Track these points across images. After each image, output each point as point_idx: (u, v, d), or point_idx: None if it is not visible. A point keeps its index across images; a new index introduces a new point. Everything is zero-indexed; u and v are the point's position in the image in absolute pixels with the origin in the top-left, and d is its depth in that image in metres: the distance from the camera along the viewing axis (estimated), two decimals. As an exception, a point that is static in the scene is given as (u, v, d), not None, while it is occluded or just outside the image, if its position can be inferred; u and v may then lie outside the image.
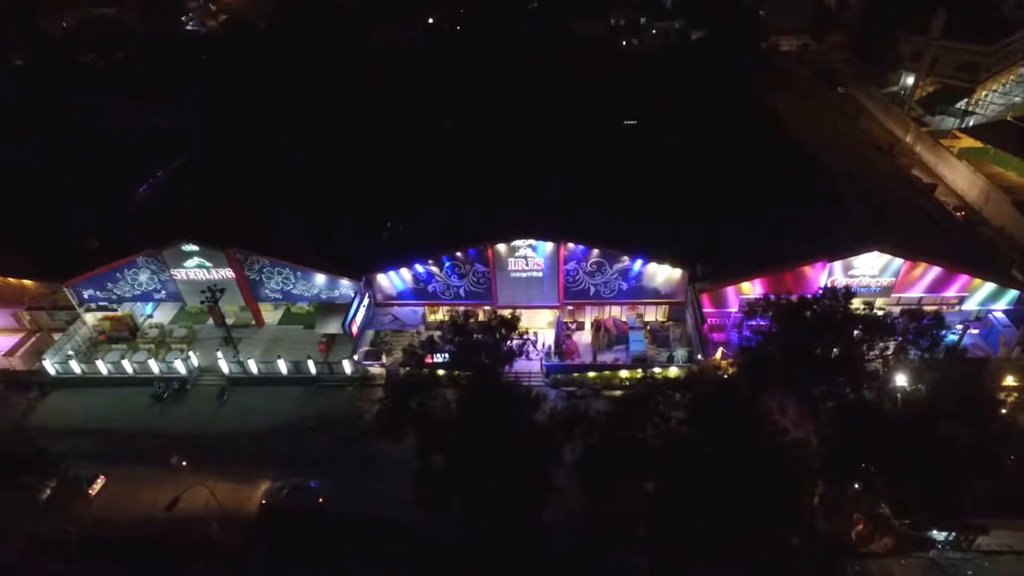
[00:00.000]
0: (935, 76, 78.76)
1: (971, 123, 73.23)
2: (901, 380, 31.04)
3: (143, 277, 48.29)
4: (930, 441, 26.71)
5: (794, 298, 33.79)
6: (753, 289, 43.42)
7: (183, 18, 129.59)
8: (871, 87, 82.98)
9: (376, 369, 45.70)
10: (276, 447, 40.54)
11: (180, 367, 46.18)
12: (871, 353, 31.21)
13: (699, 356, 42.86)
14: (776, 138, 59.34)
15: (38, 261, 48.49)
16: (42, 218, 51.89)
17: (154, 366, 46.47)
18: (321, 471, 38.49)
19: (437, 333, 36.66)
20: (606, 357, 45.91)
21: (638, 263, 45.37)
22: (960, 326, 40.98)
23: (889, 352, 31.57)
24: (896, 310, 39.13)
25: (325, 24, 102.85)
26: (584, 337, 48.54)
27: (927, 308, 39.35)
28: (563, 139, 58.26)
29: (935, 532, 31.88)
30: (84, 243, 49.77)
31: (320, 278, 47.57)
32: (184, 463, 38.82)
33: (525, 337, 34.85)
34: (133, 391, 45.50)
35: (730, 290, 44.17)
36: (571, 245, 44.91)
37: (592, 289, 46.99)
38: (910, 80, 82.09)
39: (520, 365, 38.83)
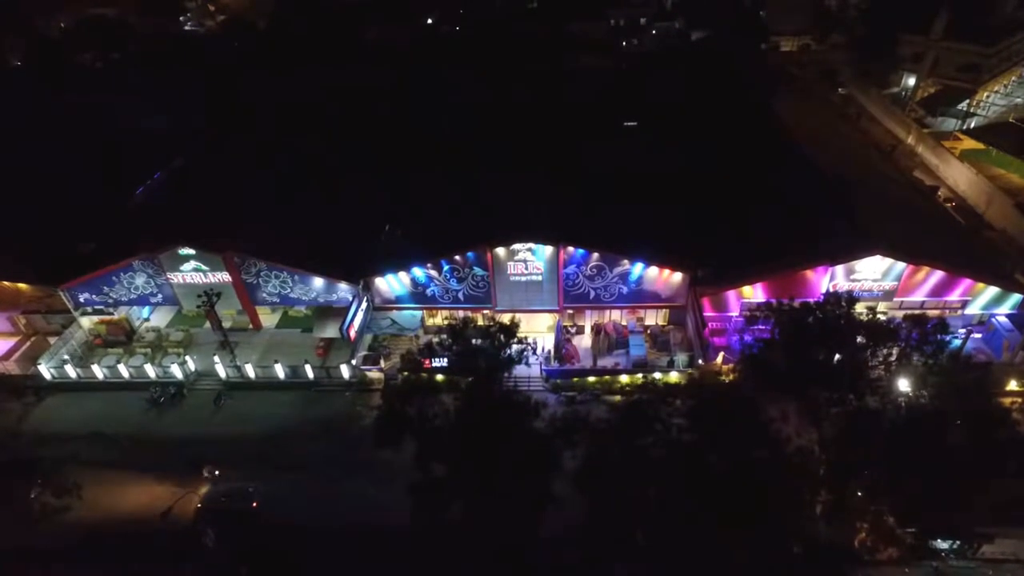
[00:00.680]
0: (936, 77, 78.46)
1: (973, 125, 72.95)
2: (905, 386, 30.73)
3: (139, 281, 47.87)
4: (935, 449, 26.44)
5: (796, 303, 33.53)
6: (754, 293, 43.13)
7: (181, 18, 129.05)
8: (872, 88, 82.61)
9: (374, 374, 45.32)
10: (271, 452, 40.06)
11: (176, 371, 45.81)
12: (874, 360, 30.87)
13: (700, 361, 42.52)
14: (777, 140, 58.97)
15: (34, 264, 48.06)
16: (38, 220, 51.45)
17: (150, 370, 46.11)
18: (317, 476, 38.08)
19: (436, 338, 36.23)
20: (606, 361, 45.57)
21: (638, 267, 45.01)
22: (963, 330, 40.67)
23: (892, 358, 31.27)
24: (899, 314, 38.94)
25: (324, 24, 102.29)
26: (584, 341, 48.17)
27: (930, 312, 39.20)
28: (562, 141, 57.83)
29: (939, 541, 31.55)
30: (80, 246, 49.35)
31: (318, 282, 47.18)
32: (217, 472, 38.38)
33: (525, 343, 34.51)
34: (129, 396, 45.06)
35: (731, 294, 43.82)
36: (571, 248, 44.54)
37: (592, 293, 46.63)
38: (911, 81, 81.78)
39: (519, 370, 38.43)
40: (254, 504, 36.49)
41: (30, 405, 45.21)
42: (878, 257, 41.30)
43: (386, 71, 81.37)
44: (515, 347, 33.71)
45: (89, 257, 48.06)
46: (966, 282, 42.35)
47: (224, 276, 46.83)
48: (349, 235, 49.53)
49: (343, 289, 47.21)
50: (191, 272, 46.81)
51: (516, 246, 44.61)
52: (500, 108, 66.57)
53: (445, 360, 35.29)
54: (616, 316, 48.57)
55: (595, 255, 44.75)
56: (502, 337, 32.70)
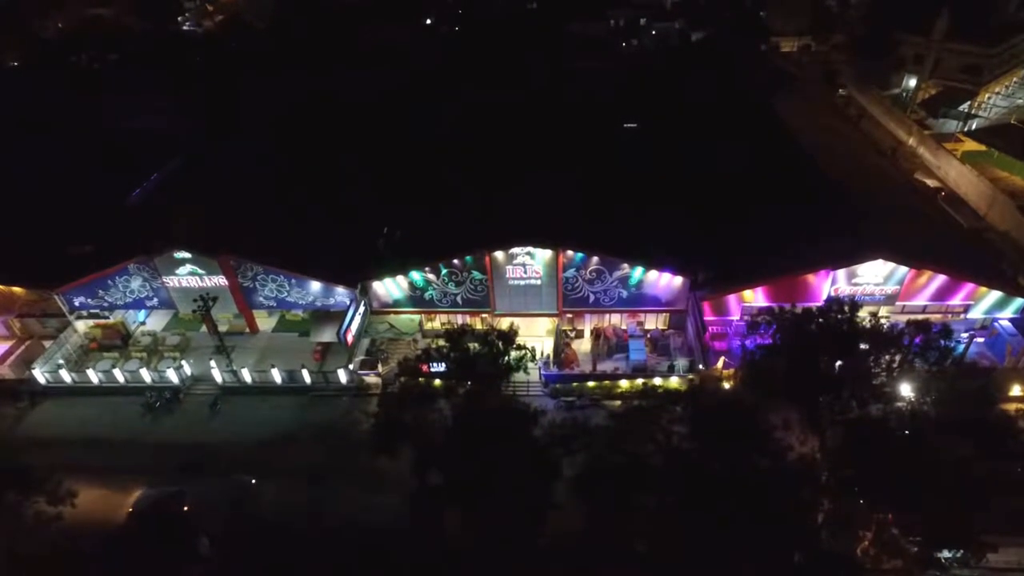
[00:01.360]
0: (938, 78, 78.03)
1: (974, 126, 72.54)
2: (908, 393, 30.34)
3: (135, 284, 47.49)
4: (939, 458, 26.05)
5: (798, 308, 33.14)
6: (755, 297, 42.74)
7: (179, 18, 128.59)
8: (873, 89, 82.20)
9: (372, 379, 44.92)
10: (267, 458, 39.67)
11: (172, 376, 45.40)
12: (877, 368, 30.47)
13: (700, 366, 42.13)
14: (777, 142, 58.56)
15: (28, 267, 47.68)
16: (33, 223, 50.99)
17: (146, 375, 45.69)
18: (314, 482, 37.69)
19: (434, 344, 35.85)
20: (606, 366, 45.16)
21: (638, 270, 44.62)
22: (966, 335, 40.28)
23: (895, 365, 30.87)
24: (901, 319, 38.54)
25: (324, 25, 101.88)
26: (583, 345, 47.79)
27: (932, 316, 38.81)
28: (561, 143, 57.40)
29: (944, 551, 31.11)
30: (75, 249, 48.92)
31: (315, 285, 46.79)
32: (253, 481, 37.95)
33: (524, 349, 34.11)
34: (125, 401, 44.65)
35: (732, 298, 43.43)
36: (570, 252, 44.15)
37: (591, 297, 46.24)
38: (912, 82, 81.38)
39: (518, 374, 37.99)
40: (185, 508, 35.86)
41: (24, 410, 44.80)
42: (880, 261, 40.92)
43: (385, 72, 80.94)
44: (514, 354, 33.26)
45: (84, 260, 47.61)
46: (969, 286, 41.92)
47: (220, 279, 46.44)
48: (347, 238, 49.13)
49: (340, 293, 46.82)
50: (187, 276, 46.44)
51: (515, 249, 44.23)
52: (499, 109, 66.11)
53: (443, 365, 34.91)
54: (616, 320, 48.20)
55: (595, 259, 44.36)
56: (500, 344, 32.28)
